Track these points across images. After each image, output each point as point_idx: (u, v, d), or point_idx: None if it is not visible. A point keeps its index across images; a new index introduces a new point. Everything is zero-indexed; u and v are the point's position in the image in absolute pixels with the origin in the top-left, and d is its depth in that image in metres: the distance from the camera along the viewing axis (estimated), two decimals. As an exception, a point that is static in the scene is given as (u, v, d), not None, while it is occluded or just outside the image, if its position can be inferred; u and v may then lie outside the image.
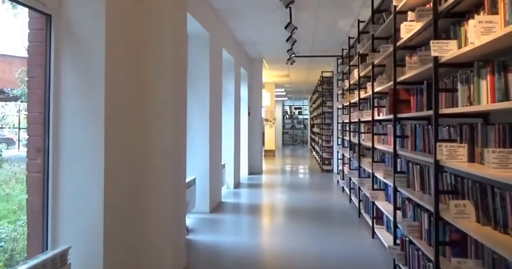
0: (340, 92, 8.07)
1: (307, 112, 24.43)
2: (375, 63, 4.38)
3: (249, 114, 9.90)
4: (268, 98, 14.59)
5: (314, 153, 15.29)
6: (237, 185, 8.12)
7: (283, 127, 24.59)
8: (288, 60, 8.48)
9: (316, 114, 14.36)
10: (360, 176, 5.50)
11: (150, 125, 3.20)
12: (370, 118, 4.74)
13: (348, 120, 6.86)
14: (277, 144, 22.40)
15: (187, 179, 4.65)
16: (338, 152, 8.24)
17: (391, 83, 3.59)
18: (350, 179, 6.39)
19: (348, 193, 6.60)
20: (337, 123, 8.48)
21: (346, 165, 7.36)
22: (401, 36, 3.19)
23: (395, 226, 3.59)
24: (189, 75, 5.34)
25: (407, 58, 3.28)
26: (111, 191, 2.79)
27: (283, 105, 25.17)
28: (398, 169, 3.62)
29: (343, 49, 7.78)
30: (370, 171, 4.55)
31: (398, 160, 3.68)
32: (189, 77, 5.05)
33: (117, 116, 2.90)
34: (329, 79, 10.87)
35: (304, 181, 9.31)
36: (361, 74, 5.27)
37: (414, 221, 3.01)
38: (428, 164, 2.84)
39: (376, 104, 4.62)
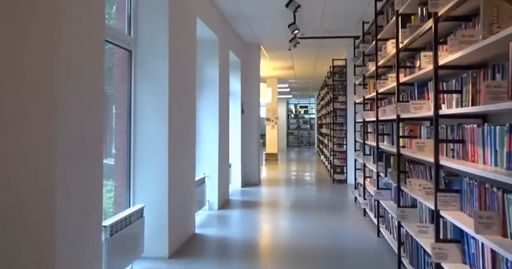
0: (358, 81, 6.14)
1: (313, 111, 22.47)
2: (440, 14, 2.45)
3: (242, 112, 7.98)
4: (270, 94, 12.65)
5: (322, 157, 13.33)
6: (224, 204, 6.21)
7: (288, 127, 22.65)
8: (290, 41, 6.56)
9: (324, 113, 12.41)
10: (399, 204, 3.56)
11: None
12: (427, 113, 2.81)
13: (372, 118, 4.93)
14: (281, 146, 20.47)
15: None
16: (356, 160, 6.31)
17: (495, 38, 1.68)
18: (378, 203, 4.45)
19: (375, 221, 4.66)
20: (354, 122, 6.55)
21: (370, 180, 5.40)
22: None
23: None
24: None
25: None
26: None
27: (288, 103, 23.23)
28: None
29: (364, 22, 5.83)
30: (431, 206, 2.61)
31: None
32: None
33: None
34: (341, 69, 8.92)
35: (312, 196, 7.35)
36: (403, 44, 3.33)
37: None
38: None
39: (444, 88, 2.69)
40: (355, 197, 6.38)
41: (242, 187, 7.88)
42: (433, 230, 2.61)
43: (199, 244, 4.24)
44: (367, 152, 5.51)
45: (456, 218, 2.28)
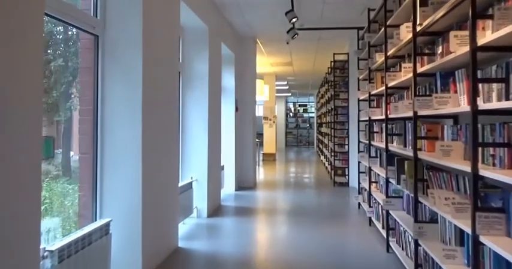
0: (363, 76, 5.57)
1: (313, 110, 21.89)
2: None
3: (236, 109, 7.41)
4: (267, 91, 12.07)
5: (322, 157, 12.76)
6: (215, 211, 5.64)
7: (287, 127, 22.06)
8: (288, 32, 5.98)
9: (324, 111, 11.84)
10: (416, 219, 2.98)
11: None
12: (455, 109, 2.24)
13: (379, 117, 4.37)
14: (280, 146, 19.91)
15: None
16: (359, 162, 5.74)
17: None
18: (387, 214, 3.88)
19: (383, 233, 4.08)
20: (358, 121, 5.97)
21: (377, 185, 4.84)
22: None
23: None
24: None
25: None
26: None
27: (287, 102, 22.65)
28: None
29: (369, 10, 5.25)
30: (465, 228, 2.04)
31: None
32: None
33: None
34: (343, 64, 8.35)
35: (312, 201, 6.78)
36: (422, 26, 2.75)
37: None
38: None
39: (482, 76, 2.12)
40: (359, 203, 5.81)
41: (236, 190, 7.31)
42: (463, 255, 2.04)
43: (181, 261, 3.67)
44: (373, 154, 4.94)
45: (503, 246, 1.71)
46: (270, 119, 13.86)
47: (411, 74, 3.02)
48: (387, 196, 3.89)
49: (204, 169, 5.26)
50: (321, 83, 13.48)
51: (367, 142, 5.03)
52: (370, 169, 4.89)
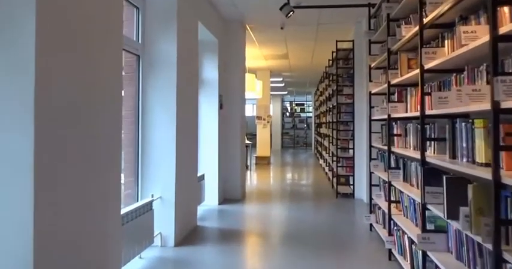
0: (376, 63, 4.35)
1: (310, 109, 20.68)
2: None
3: (220, 107, 6.17)
4: (260, 88, 10.81)
5: (321, 161, 11.53)
6: (186, 236, 4.39)
7: (283, 127, 20.82)
8: (282, 9, 4.77)
9: (324, 110, 10.60)
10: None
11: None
12: None
13: (404, 114, 3.17)
14: (275, 147, 18.71)
15: None
16: (372, 173, 4.51)
17: None
18: (425, 256, 2.64)
19: (416, 281, 2.84)
20: (369, 120, 4.74)
21: (398, 206, 3.61)
22: None
23: None
24: None
25: None
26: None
27: (283, 101, 21.42)
28: None
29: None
30: None
31: None
32: None
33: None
34: (348, 54, 7.12)
35: (311, 219, 5.50)
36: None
37: None
38: None
39: None
40: (371, 225, 4.58)
41: (220, 204, 6.07)
42: None
43: None
44: (395, 164, 3.71)
45: None
46: (264, 119, 12.62)
47: (482, 40, 1.79)
48: (424, 230, 2.65)
49: (170, 183, 4.01)
50: (320, 79, 12.24)
51: (386, 147, 3.80)
52: (390, 185, 3.66)
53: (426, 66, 2.61)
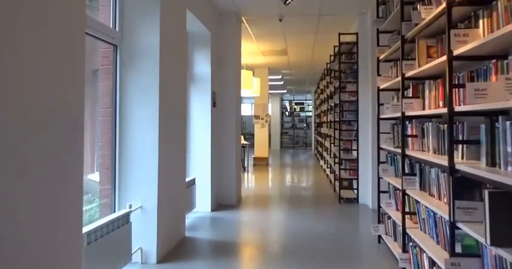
0: (386, 54, 3.87)
1: (310, 108, 20.20)
2: None
3: (213, 105, 5.67)
4: (258, 85, 10.32)
5: (322, 162, 11.04)
6: (171, 251, 3.90)
7: (282, 126, 20.33)
8: (279, -4, 4.27)
9: (325, 109, 10.10)
10: None
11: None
12: None
13: (420, 112, 2.69)
14: (274, 147, 18.24)
15: None
16: (380, 178, 4.01)
17: None
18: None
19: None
20: (378, 119, 4.23)
21: (413, 218, 3.12)
22: None
23: None
24: None
25: None
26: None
27: (282, 99, 20.92)
28: None
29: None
30: None
31: None
32: None
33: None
34: (351, 47, 6.62)
35: (313, 229, 4.97)
36: None
37: None
38: None
39: None
40: (379, 237, 4.09)
41: (213, 210, 5.57)
42: None
43: None
44: (410, 169, 3.22)
45: None
46: (262, 119, 12.12)
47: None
48: (453, 254, 2.16)
49: (152, 190, 3.51)
50: (321, 77, 11.75)
51: (399, 150, 3.30)
52: (404, 193, 3.16)
53: (456, 52, 2.12)
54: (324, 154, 10.14)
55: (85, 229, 2.55)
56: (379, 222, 4.18)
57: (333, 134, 7.76)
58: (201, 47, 5.54)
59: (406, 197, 3.20)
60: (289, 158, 15.23)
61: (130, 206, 3.31)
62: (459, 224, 2.08)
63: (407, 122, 3.25)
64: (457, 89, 2.20)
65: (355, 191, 6.34)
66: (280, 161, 13.86)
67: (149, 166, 3.50)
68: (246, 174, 9.90)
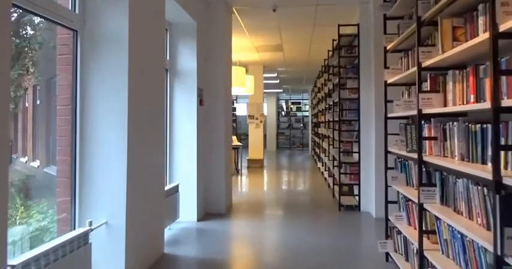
0: (392, 44, 3.32)
1: (307, 108, 19.66)
2: None
3: (200, 103, 5.11)
4: (252, 84, 9.76)
5: (320, 165, 10.49)
6: (147, 270, 3.33)
7: (278, 127, 19.77)
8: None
9: (323, 108, 9.56)
10: None
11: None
12: None
13: (442, 109, 2.14)
14: (270, 148, 17.69)
15: None
16: (388, 186, 3.46)
17: None
18: None
19: None
20: (385, 119, 3.68)
21: (432, 238, 2.56)
22: None
23: None
24: None
25: None
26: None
27: (278, 99, 20.37)
28: None
29: None
30: None
31: None
32: None
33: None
34: (352, 40, 6.08)
35: (311, 243, 4.33)
36: None
37: None
38: None
39: None
40: (387, 254, 3.53)
41: (199, 220, 5.00)
42: None
43: None
44: (428, 178, 2.67)
45: None
46: (257, 118, 11.57)
47: None
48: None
49: (120, 203, 2.94)
50: (318, 74, 11.20)
51: (414, 155, 2.75)
52: (421, 208, 2.61)
53: (503, 28, 1.57)
54: (322, 155, 9.59)
55: (19, 259, 1.99)
56: (386, 237, 3.63)
57: (331, 135, 7.20)
58: (185, 38, 4.98)
59: (423, 212, 2.65)
60: (285, 159, 14.67)
61: (90, 224, 2.74)
62: (509, 260, 1.53)
63: (426, 123, 2.70)
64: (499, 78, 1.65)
65: (356, 197, 5.79)
66: (275, 162, 13.31)
67: (116, 173, 2.93)
68: (239, 177, 9.34)
